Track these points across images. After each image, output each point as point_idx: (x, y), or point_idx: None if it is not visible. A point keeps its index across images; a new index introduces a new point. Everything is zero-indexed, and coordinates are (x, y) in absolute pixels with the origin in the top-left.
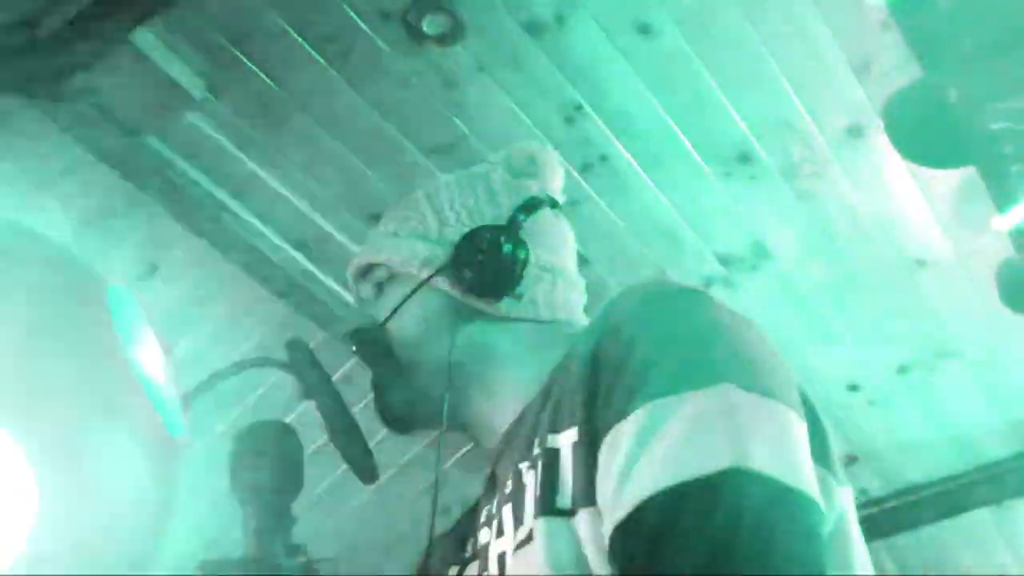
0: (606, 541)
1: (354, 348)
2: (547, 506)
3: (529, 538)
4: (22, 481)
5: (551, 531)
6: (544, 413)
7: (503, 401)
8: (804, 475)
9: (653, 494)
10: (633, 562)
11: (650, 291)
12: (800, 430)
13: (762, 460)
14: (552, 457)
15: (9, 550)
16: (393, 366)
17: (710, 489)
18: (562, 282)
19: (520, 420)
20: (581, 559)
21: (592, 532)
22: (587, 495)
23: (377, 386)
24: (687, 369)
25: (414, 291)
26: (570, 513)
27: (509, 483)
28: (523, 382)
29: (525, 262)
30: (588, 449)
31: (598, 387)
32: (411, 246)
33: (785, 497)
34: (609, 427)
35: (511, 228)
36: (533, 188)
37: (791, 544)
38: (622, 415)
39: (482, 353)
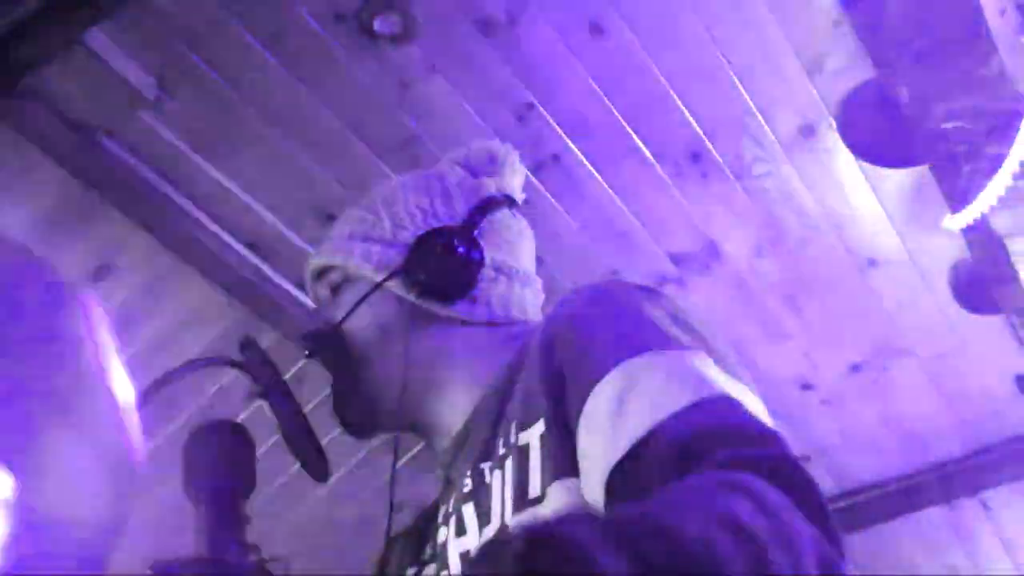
0: (599, 489)
1: (307, 353)
2: (521, 502)
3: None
4: None
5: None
6: (505, 411)
7: (454, 403)
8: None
9: (659, 422)
10: (644, 486)
11: (602, 286)
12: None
13: (750, 403)
14: (523, 454)
15: None
16: (349, 369)
17: (714, 406)
18: (518, 283)
19: (473, 420)
20: None
21: (565, 503)
22: (558, 470)
23: (336, 392)
24: (659, 336)
25: (367, 295)
26: (539, 500)
27: (468, 482)
28: (475, 384)
29: (479, 264)
30: (559, 431)
31: (560, 373)
32: (365, 248)
33: (776, 435)
34: (584, 399)
35: (466, 229)
36: (491, 187)
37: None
38: (595, 383)
39: (435, 357)
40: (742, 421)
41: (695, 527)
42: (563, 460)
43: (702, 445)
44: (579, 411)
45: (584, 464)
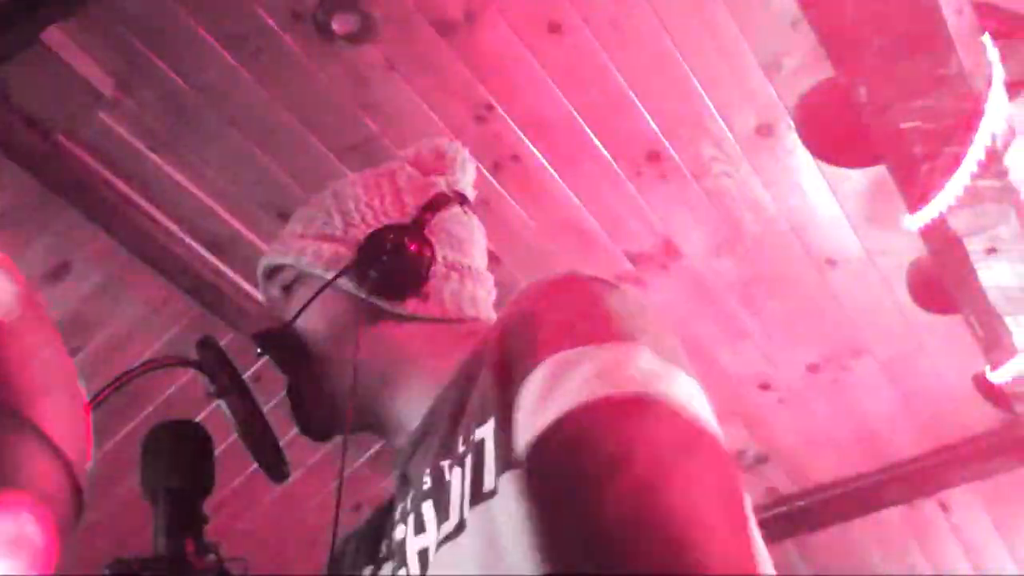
0: (523, 468)
1: (259, 351)
2: (477, 495)
3: (458, 530)
4: None
5: (481, 518)
6: (464, 408)
7: (410, 401)
8: (716, 424)
9: (569, 410)
10: (547, 472)
11: (557, 278)
12: (704, 396)
13: (679, 399)
14: (479, 448)
15: None
16: (302, 368)
17: (627, 404)
18: (470, 280)
19: (431, 417)
20: (499, 541)
21: (510, 501)
22: (506, 462)
23: (293, 396)
24: (601, 327)
25: (317, 293)
26: (493, 493)
27: (427, 480)
28: (430, 381)
29: (430, 261)
30: (505, 422)
31: (509, 366)
32: (316, 247)
33: (703, 432)
34: (520, 387)
35: (415, 227)
36: (440, 185)
37: (707, 469)
38: (531, 370)
39: (388, 354)
40: (641, 430)
41: None
42: (508, 451)
43: (584, 455)
44: (515, 402)
45: (515, 449)
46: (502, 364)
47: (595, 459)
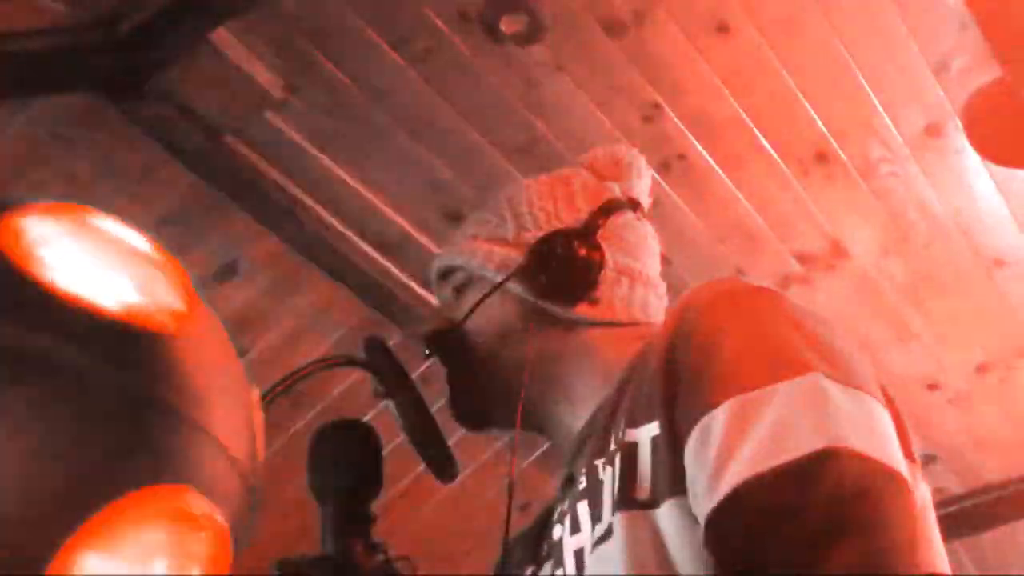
0: (701, 527)
1: (427, 351)
2: (626, 500)
3: (608, 533)
4: None
5: (631, 524)
6: (619, 409)
7: (578, 403)
8: (896, 458)
9: (750, 477)
10: (732, 544)
11: (725, 288)
12: (886, 418)
13: (856, 441)
14: (630, 451)
15: None
16: (468, 368)
17: (809, 468)
18: (641, 285)
19: (594, 419)
20: (662, 551)
21: (678, 523)
22: (672, 486)
23: (452, 384)
24: (774, 362)
25: (487, 295)
26: (651, 505)
27: (584, 480)
28: (598, 384)
29: (600, 266)
30: (671, 442)
31: (679, 382)
32: (488, 250)
33: (883, 474)
34: (697, 420)
35: (587, 231)
36: (614, 190)
37: (894, 515)
38: (711, 407)
39: (557, 358)
40: (824, 493)
41: None
42: (675, 476)
43: (770, 523)
44: (688, 431)
45: (690, 491)
46: (669, 375)
47: (784, 540)
